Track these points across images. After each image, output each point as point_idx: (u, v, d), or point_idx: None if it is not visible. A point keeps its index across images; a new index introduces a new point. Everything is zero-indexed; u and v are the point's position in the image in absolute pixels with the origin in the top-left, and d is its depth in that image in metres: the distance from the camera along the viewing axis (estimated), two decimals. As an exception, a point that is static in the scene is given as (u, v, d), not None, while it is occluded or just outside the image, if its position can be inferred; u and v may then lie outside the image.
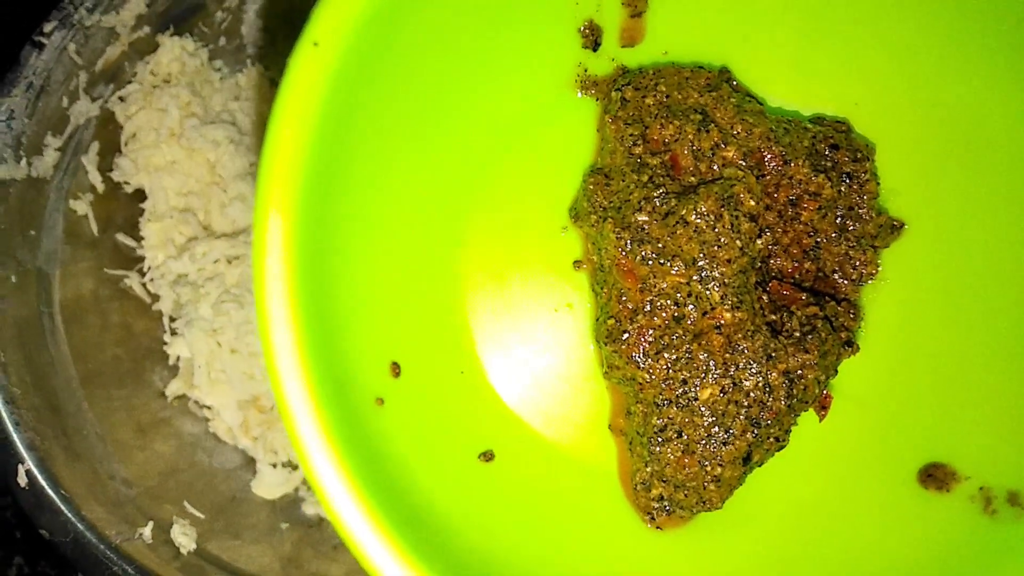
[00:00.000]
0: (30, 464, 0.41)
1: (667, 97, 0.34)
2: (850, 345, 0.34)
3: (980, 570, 0.31)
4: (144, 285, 0.50)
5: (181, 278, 0.49)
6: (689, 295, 0.32)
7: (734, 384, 0.32)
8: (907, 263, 0.36)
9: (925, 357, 0.35)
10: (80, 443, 0.44)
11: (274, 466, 0.49)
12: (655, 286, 0.32)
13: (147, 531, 0.43)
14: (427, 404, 0.34)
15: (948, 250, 0.35)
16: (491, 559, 0.31)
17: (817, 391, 0.33)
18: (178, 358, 0.50)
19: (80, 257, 0.48)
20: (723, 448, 0.32)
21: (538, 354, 0.37)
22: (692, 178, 0.33)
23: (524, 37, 0.34)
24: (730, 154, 0.33)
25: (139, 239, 0.50)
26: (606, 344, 0.33)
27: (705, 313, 0.32)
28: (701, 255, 0.32)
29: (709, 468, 0.32)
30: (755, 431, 0.32)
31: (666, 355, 0.32)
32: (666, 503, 0.33)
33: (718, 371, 0.32)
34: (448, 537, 0.30)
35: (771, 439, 0.33)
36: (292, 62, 0.28)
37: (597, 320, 0.35)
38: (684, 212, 0.32)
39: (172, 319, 0.50)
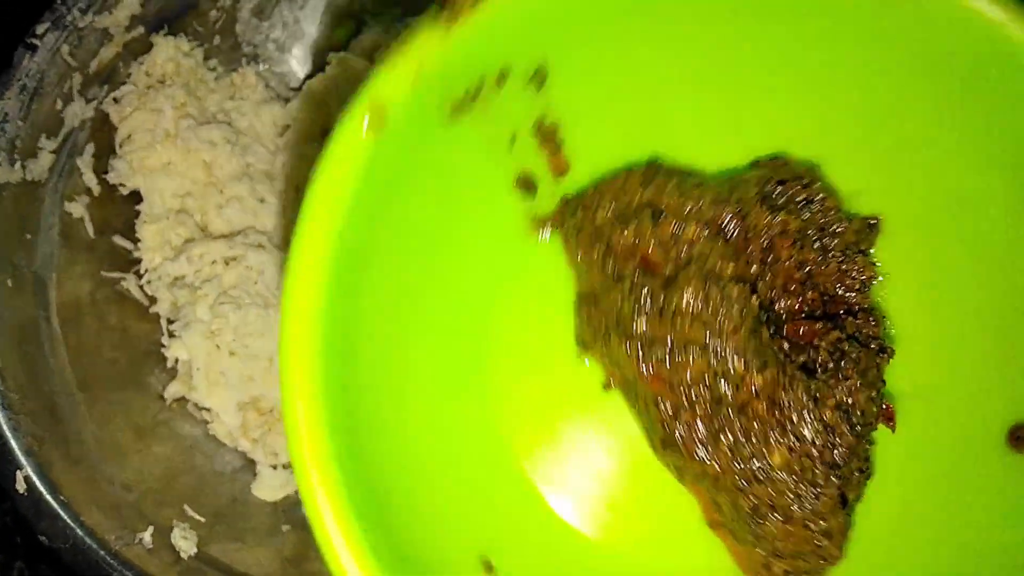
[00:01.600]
0: (28, 470, 0.41)
1: (613, 205, 0.34)
2: (884, 351, 0.34)
3: None
4: (142, 287, 0.50)
5: (178, 280, 0.49)
6: (716, 375, 0.32)
7: (797, 439, 0.32)
8: (901, 251, 0.36)
9: (962, 328, 0.35)
10: (78, 447, 0.44)
11: (274, 468, 0.49)
12: (682, 381, 0.32)
13: (147, 535, 0.43)
14: None
15: (932, 224, 0.35)
16: None
17: (874, 409, 0.33)
18: (176, 360, 0.49)
19: (77, 260, 0.47)
20: (817, 503, 0.32)
21: (604, 486, 0.37)
22: (668, 270, 0.33)
23: (478, 205, 0.35)
24: (691, 232, 0.33)
25: (136, 241, 0.50)
26: (665, 451, 0.34)
27: (738, 387, 0.32)
28: (709, 335, 0.32)
29: (814, 526, 0.32)
30: (837, 472, 0.32)
31: (724, 439, 0.32)
32: (791, 575, 0.33)
33: (777, 433, 0.32)
34: None
35: (856, 473, 0.33)
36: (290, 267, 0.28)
37: (647, 431, 0.35)
38: (675, 303, 0.32)
39: (170, 321, 0.50)
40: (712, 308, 0.32)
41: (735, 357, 0.32)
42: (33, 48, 0.44)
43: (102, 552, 0.41)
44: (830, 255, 0.35)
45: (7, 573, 0.56)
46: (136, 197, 0.50)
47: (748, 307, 0.32)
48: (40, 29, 0.44)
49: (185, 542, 0.44)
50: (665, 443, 0.34)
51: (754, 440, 0.32)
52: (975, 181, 0.34)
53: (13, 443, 0.41)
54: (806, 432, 0.32)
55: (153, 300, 0.50)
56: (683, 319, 0.32)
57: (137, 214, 0.50)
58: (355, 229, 0.29)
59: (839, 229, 0.35)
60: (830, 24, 0.32)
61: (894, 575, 0.34)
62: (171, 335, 0.49)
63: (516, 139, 0.34)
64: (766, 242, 0.34)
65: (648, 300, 0.33)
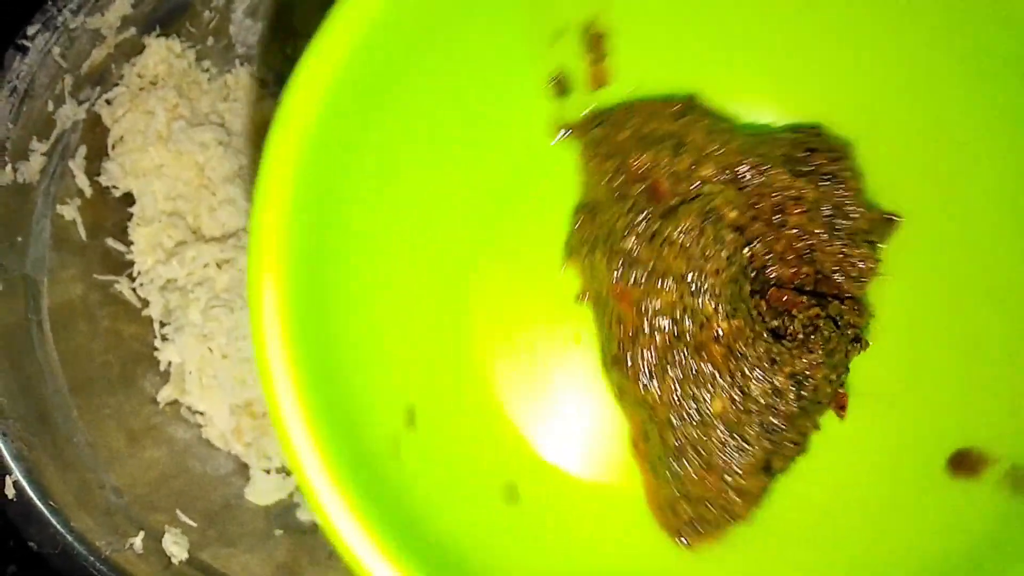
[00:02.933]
0: (18, 475, 0.40)
1: (640, 128, 0.34)
2: (858, 341, 0.34)
3: (1014, 553, 0.30)
4: (134, 290, 0.50)
5: (170, 283, 0.48)
6: (684, 310, 0.32)
7: (743, 393, 0.32)
8: (911, 255, 0.35)
9: (941, 345, 0.35)
10: (70, 452, 0.44)
11: (267, 472, 0.48)
12: (650, 307, 0.32)
13: (138, 541, 0.43)
14: (446, 449, 0.34)
15: (951, 236, 0.34)
16: None
17: (829, 390, 0.33)
18: (169, 364, 0.49)
19: (68, 263, 0.47)
20: (741, 459, 0.32)
21: (555, 389, 0.37)
22: (673, 201, 0.33)
23: (501, 96, 0.35)
24: (707, 172, 0.33)
25: (128, 243, 0.50)
26: (613, 369, 0.34)
27: (702, 326, 0.32)
28: (689, 270, 0.32)
29: (731, 481, 0.32)
30: (771, 437, 0.32)
31: (671, 373, 0.32)
32: (694, 521, 0.33)
33: (725, 382, 0.32)
34: None
35: (789, 444, 0.33)
36: (275, 127, 0.28)
37: (602, 348, 0.35)
38: (668, 232, 0.32)
39: (163, 324, 0.49)
40: (702, 245, 0.32)
41: (708, 297, 0.32)
42: (24, 49, 0.43)
43: (92, 558, 0.41)
44: (836, 236, 0.34)
45: (0, 577, 0.56)
46: (128, 199, 0.50)
47: (737, 256, 0.32)
48: (31, 30, 0.43)
49: (176, 547, 0.43)
50: (615, 361, 0.34)
51: (700, 382, 0.32)
52: (1011, 213, 0.33)
53: (2, 448, 0.41)
54: (753, 388, 0.32)
55: (146, 303, 0.50)
56: (671, 249, 0.32)
57: (130, 216, 0.50)
58: (353, 89, 0.28)
59: (854, 213, 0.34)
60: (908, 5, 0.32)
61: (792, 556, 0.34)
62: (163, 338, 0.49)
63: (562, 36, 0.33)
64: (778, 204, 0.34)
65: (644, 223, 0.33)
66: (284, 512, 0.48)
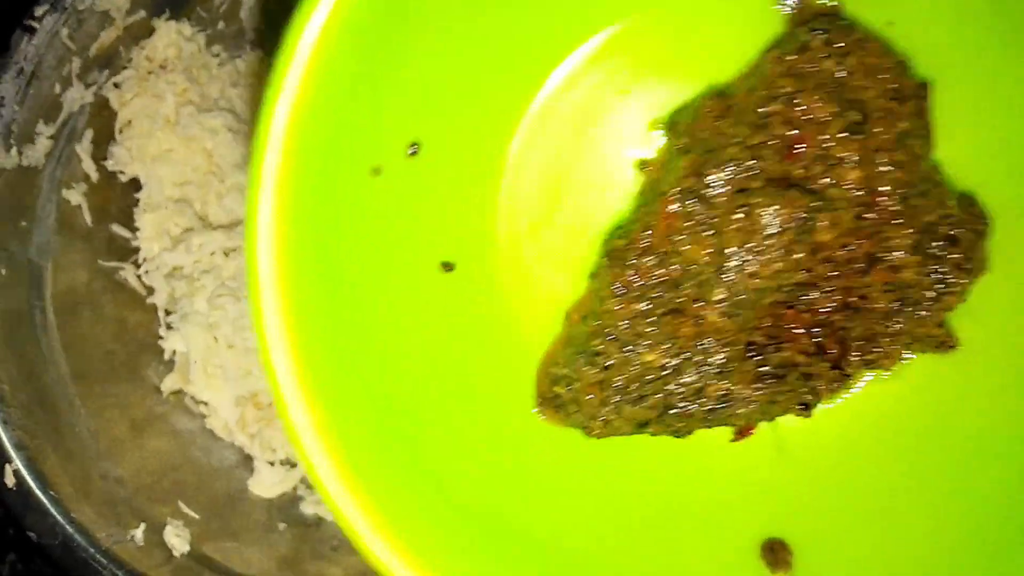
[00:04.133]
0: (18, 464, 0.40)
1: (847, 74, 0.29)
2: (805, 408, 0.32)
3: None
4: (139, 277, 0.49)
5: (176, 271, 0.48)
6: (698, 276, 0.31)
7: (676, 369, 0.32)
8: (934, 380, 0.33)
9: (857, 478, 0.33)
10: (72, 441, 0.43)
11: (272, 464, 0.48)
12: (678, 244, 0.30)
13: (139, 533, 0.42)
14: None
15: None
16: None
17: (741, 422, 0.33)
18: (174, 353, 0.49)
19: (73, 248, 0.46)
20: (629, 405, 0.32)
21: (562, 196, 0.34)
22: (797, 171, 0.30)
23: None
24: (852, 175, 0.29)
25: (135, 229, 0.49)
26: (607, 256, 0.32)
27: (696, 301, 0.31)
28: (735, 252, 0.30)
29: (608, 410, 0.32)
30: (665, 412, 0.32)
31: (641, 305, 0.31)
32: (559, 402, 0.33)
33: (671, 349, 0.31)
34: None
35: (673, 426, 0.32)
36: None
37: (616, 228, 0.33)
38: (757, 202, 0.29)
39: (167, 312, 0.49)
40: (767, 245, 0.30)
41: (723, 289, 0.30)
42: (31, 30, 0.43)
43: (92, 550, 0.40)
44: (888, 321, 0.32)
45: (0, 566, 0.56)
46: (135, 185, 0.49)
47: (785, 276, 0.30)
48: (39, 11, 0.42)
49: (178, 540, 0.43)
50: (614, 253, 0.32)
51: (654, 332, 0.31)
52: None
53: (3, 436, 0.40)
54: (687, 375, 0.32)
55: (151, 290, 0.49)
56: (744, 219, 0.30)
57: (136, 202, 0.49)
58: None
59: (924, 318, 0.32)
60: None
61: None
62: (168, 327, 0.49)
63: None
64: (876, 256, 0.31)
65: (748, 173, 0.29)
66: (288, 505, 0.47)
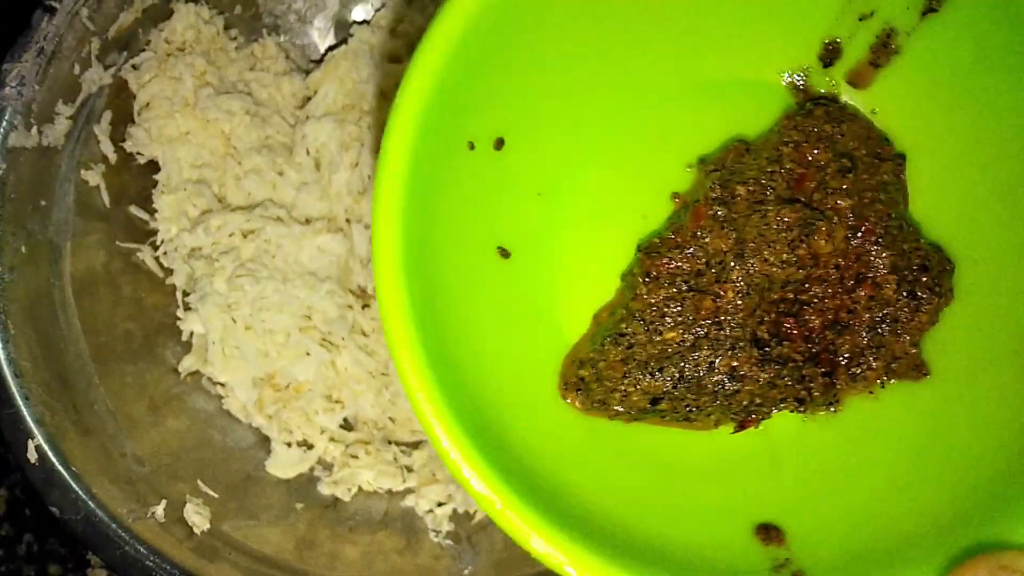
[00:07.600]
0: (40, 439, 0.40)
1: (841, 136, 0.37)
2: (801, 403, 0.36)
3: None
4: (157, 259, 0.49)
5: (195, 252, 0.48)
6: (720, 262, 0.36)
7: (691, 345, 0.36)
8: (911, 404, 0.36)
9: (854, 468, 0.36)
10: (91, 419, 0.43)
11: (289, 445, 0.48)
12: (705, 238, 0.36)
13: (159, 510, 0.42)
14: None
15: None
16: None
17: (745, 408, 0.36)
18: (191, 334, 0.49)
19: (91, 229, 0.46)
20: (646, 378, 0.36)
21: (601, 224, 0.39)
22: (803, 196, 0.36)
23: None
24: (844, 203, 0.36)
25: (152, 211, 0.49)
26: (641, 251, 0.37)
27: (717, 280, 0.36)
28: (752, 242, 0.35)
29: (627, 382, 0.36)
30: (676, 385, 0.36)
31: (671, 289, 0.36)
32: (583, 384, 0.36)
33: (691, 325, 0.36)
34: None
35: (685, 405, 0.36)
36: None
37: (651, 236, 0.38)
38: (770, 209, 0.35)
39: (186, 294, 0.49)
40: (779, 238, 0.35)
41: (740, 271, 0.35)
42: (51, 10, 0.43)
43: (114, 525, 0.40)
44: (871, 338, 0.36)
45: (16, 546, 0.56)
46: (153, 166, 0.49)
47: (790, 269, 0.35)
48: (59, -9, 0.43)
49: (199, 517, 0.43)
50: (649, 249, 0.37)
51: (676, 312, 0.36)
52: None
53: (25, 412, 0.40)
54: (701, 350, 0.36)
55: (169, 272, 0.49)
56: (758, 220, 0.36)
57: (154, 184, 0.49)
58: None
59: (901, 338, 0.36)
60: None
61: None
62: (187, 308, 0.49)
63: (854, 16, 0.36)
64: (862, 276, 0.36)
65: (765, 191, 0.36)
66: (305, 485, 0.47)
